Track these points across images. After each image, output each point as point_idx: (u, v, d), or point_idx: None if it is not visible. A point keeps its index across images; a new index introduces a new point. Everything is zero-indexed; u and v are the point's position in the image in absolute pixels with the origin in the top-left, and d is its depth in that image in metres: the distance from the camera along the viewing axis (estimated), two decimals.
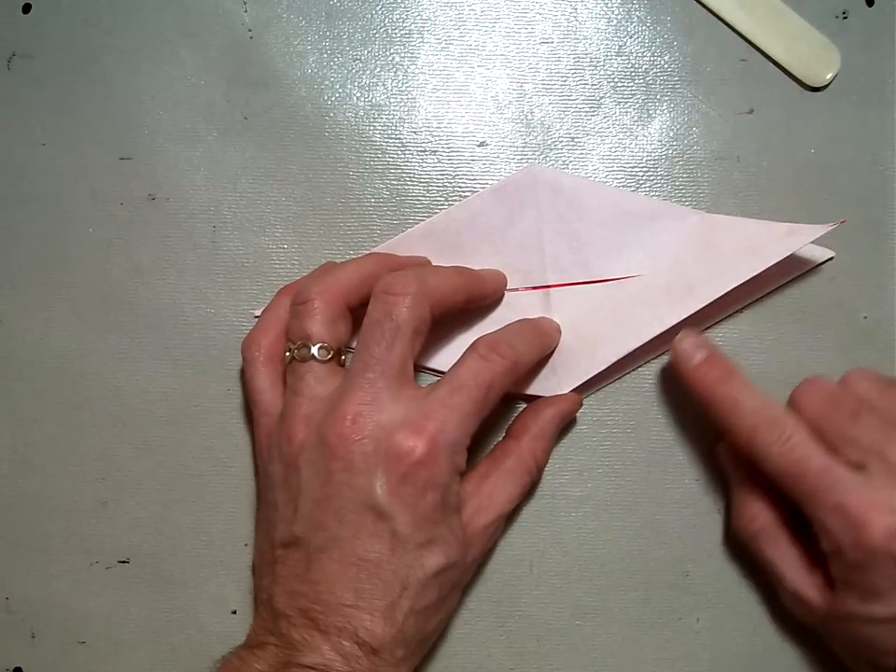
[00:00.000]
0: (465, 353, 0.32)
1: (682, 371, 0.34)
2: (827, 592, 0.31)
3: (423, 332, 0.31)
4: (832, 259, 0.37)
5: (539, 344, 0.34)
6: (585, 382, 0.35)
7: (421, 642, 0.31)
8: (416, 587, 0.29)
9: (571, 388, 0.36)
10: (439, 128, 0.38)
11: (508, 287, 0.36)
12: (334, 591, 0.29)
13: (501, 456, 0.34)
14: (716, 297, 0.35)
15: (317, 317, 0.31)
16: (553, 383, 0.36)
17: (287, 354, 0.32)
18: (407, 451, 0.29)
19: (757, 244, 0.35)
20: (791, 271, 0.37)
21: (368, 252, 0.36)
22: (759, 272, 0.34)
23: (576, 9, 0.38)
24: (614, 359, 0.35)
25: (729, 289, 0.35)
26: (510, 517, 0.35)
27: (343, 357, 0.32)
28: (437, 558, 0.30)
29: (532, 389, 0.36)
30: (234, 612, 0.36)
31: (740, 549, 0.35)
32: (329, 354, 0.31)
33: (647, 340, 0.35)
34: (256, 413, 0.33)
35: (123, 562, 0.36)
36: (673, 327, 0.35)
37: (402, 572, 0.29)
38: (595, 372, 0.35)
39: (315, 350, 0.31)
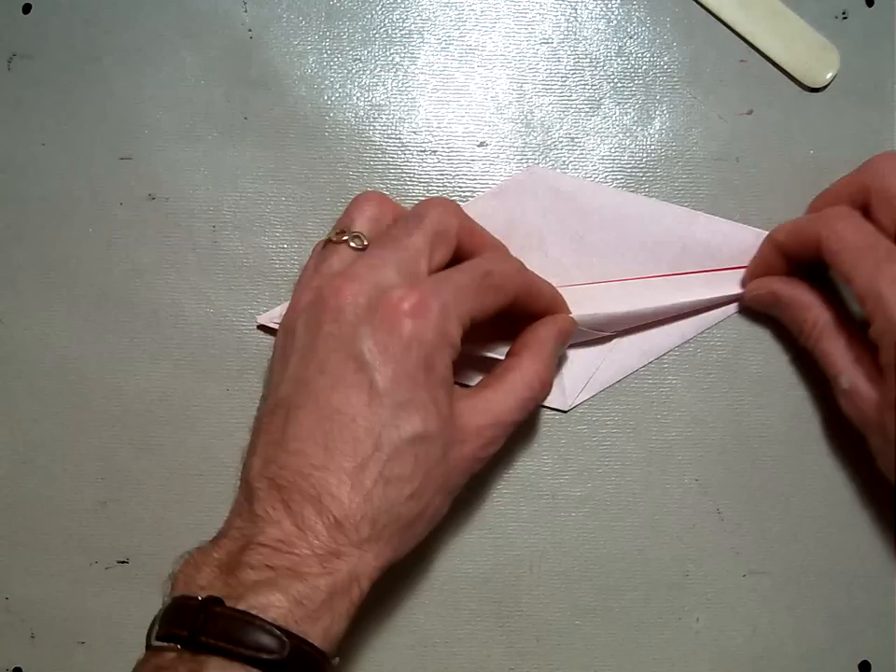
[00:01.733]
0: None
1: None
2: (880, 382, 0.31)
3: (445, 240, 0.31)
4: None
5: (552, 298, 0.34)
6: (589, 379, 0.36)
7: (389, 524, 0.28)
8: (389, 449, 0.27)
9: (573, 390, 0.36)
10: (439, 128, 0.38)
11: None
12: (305, 450, 0.27)
13: (501, 371, 0.32)
14: (716, 303, 0.35)
15: (366, 211, 0.32)
16: (557, 390, 0.36)
17: (326, 238, 0.32)
18: (396, 301, 0.28)
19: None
20: None
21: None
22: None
23: (576, 10, 0.38)
24: (618, 363, 0.35)
25: (729, 295, 0.36)
26: (508, 515, 0.35)
27: None
28: (414, 423, 0.28)
29: None
30: None
31: (740, 548, 0.35)
32: (362, 243, 0.31)
33: (650, 342, 0.35)
34: (293, 293, 0.32)
35: (123, 562, 0.36)
36: (673, 329, 0.35)
37: (376, 430, 0.27)
38: (601, 377, 0.36)
39: (349, 236, 0.31)
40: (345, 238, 0.31)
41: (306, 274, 0.32)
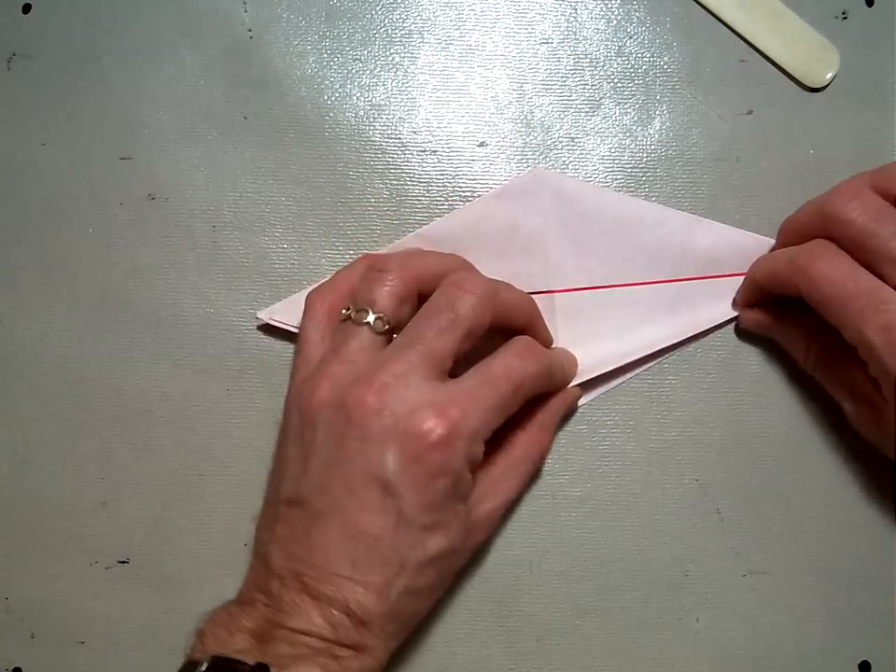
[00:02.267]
0: (502, 347, 0.32)
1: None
2: (883, 405, 0.31)
3: (475, 336, 0.31)
4: None
5: (569, 370, 0.35)
6: (587, 384, 0.36)
7: (409, 621, 0.31)
8: (414, 568, 0.29)
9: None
10: (439, 128, 0.38)
11: None
12: (330, 559, 0.28)
13: (508, 446, 0.33)
14: (715, 308, 0.36)
15: (387, 289, 0.31)
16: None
17: (345, 312, 0.31)
18: (426, 431, 0.28)
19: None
20: None
21: (367, 252, 0.36)
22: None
23: (576, 10, 0.38)
24: (616, 367, 0.35)
25: (728, 301, 0.36)
26: (508, 515, 0.35)
27: (395, 338, 0.32)
28: (439, 542, 0.29)
29: None
30: None
31: (740, 548, 0.35)
32: (384, 326, 0.31)
33: (649, 348, 0.35)
34: (296, 360, 0.33)
35: (123, 562, 0.36)
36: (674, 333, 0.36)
37: (402, 551, 0.28)
38: (600, 381, 0.36)
39: (371, 318, 0.31)
40: (366, 320, 0.31)
41: (315, 343, 0.32)
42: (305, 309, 0.33)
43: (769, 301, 0.35)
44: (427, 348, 0.30)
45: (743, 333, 0.36)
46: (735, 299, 0.36)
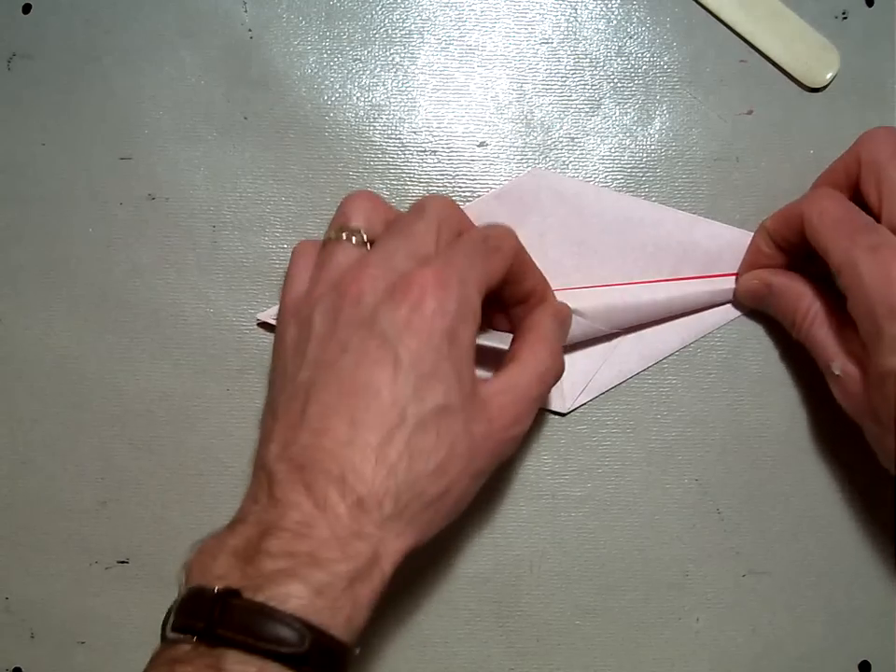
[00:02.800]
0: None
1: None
2: (866, 360, 0.31)
3: (449, 229, 0.31)
4: None
5: (540, 275, 0.34)
6: (588, 383, 0.36)
7: (412, 501, 0.27)
8: (413, 421, 0.27)
9: (572, 393, 0.36)
10: (439, 128, 0.38)
11: None
12: (328, 427, 0.27)
13: (514, 352, 0.32)
14: (716, 309, 0.36)
15: (362, 210, 0.32)
16: (556, 393, 0.36)
17: (324, 238, 0.32)
18: (416, 279, 0.28)
19: None
20: None
21: None
22: None
23: (576, 10, 0.38)
24: (617, 367, 0.35)
25: (727, 298, 0.36)
26: (508, 515, 0.36)
27: None
28: (436, 394, 0.28)
29: None
30: None
31: (740, 548, 0.35)
32: (363, 240, 0.31)
33: (649, 347, 0.35)
34: (283, 292, 0.32)
35: (123, 562, 0.36)
36: (672, 334, 0.36)
37: (401, 402, 0.27)
38: (599, 381, 0.36)
39: (349, 233, 0.31)
40: (345, 235, 0.31)
41: (302, 270, 0.32)
42: (291, 258, 0.33)
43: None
44: (407, 233, 0.30)
45: (743, 331, 0.36)
46: (735, 287, 0.36)
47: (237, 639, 0.24)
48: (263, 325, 0.37)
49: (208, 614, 0.24)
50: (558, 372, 0.33)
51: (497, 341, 0.34)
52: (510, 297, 0.33)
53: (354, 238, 0.31)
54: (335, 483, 0.26)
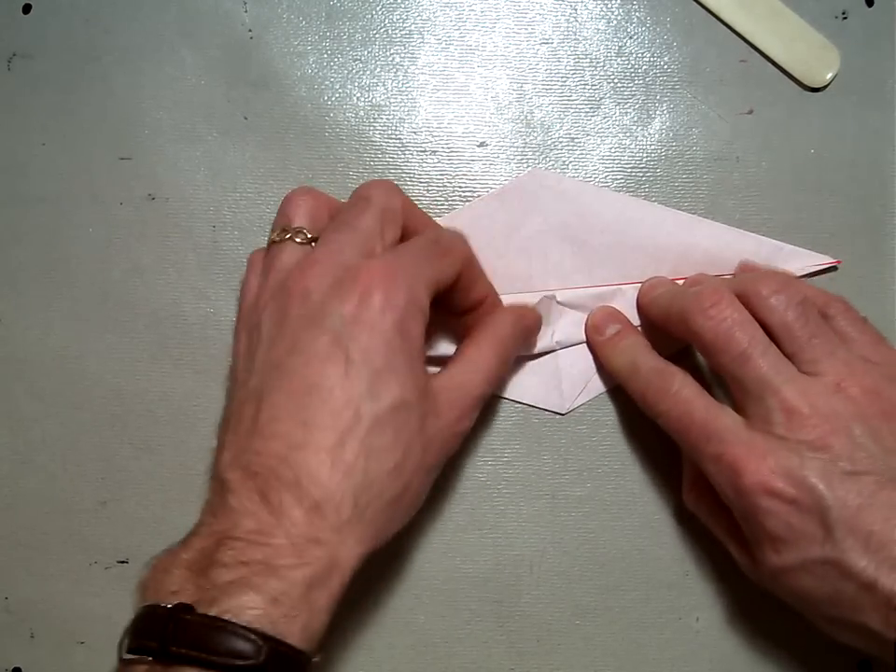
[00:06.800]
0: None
1: (594, 342, 0.35)
2: (753, 555, 0.31)
3: (393, 219, 0.30)
4: (836, 268, 0.37)
5: (489, 284, 0.34)
6: (587, 383, 0.36)
7: (371, 502, 0.27)
8: (369, 420, 0.26)
9: (571, 394, 0.36)
10: (439, 128, 0.38)
11: (510, 292, 0.36)
12: (281, 431, 0.26)
13: (462, 349, 0.32)
14: None
15: (302, 208, 0.31)
16: (556, 393, 0.36)
17: (268, 241, 0.31)
18: (364, 272, 0.28)
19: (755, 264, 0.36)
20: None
21: None
22: None
23: (576, 10, 0.38)
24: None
25: None
26: (508, 515, 0.35)
27: None
28: (392, 391, 0.27)
29: (538, 401, 0.36)
30: None
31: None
32: (307, 237, 0.30)
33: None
34: (239, 304, 0.32)
35: (123, 562, 0.36)
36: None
37: (355, 401, 0.26)
38: (598, 381, 0.36)
39: (292, 233, 0.31)
40: (289, 236, 0.31)
41: (252, 278, 0.32)
42: (247, 267, 0.33)
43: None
44: (351, 227, 0.29)
45: None
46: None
47: (192, 656, 0.23)
48: None
49: (161, 632, 0.24)
50: (503, 377, 0.34)
51: (444, 350, 0.34)
52: (458, 304, 0.32)
53: (298, 238, 0.30)
54: (290, 489, 0.25)
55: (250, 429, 0.27)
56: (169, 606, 0.24)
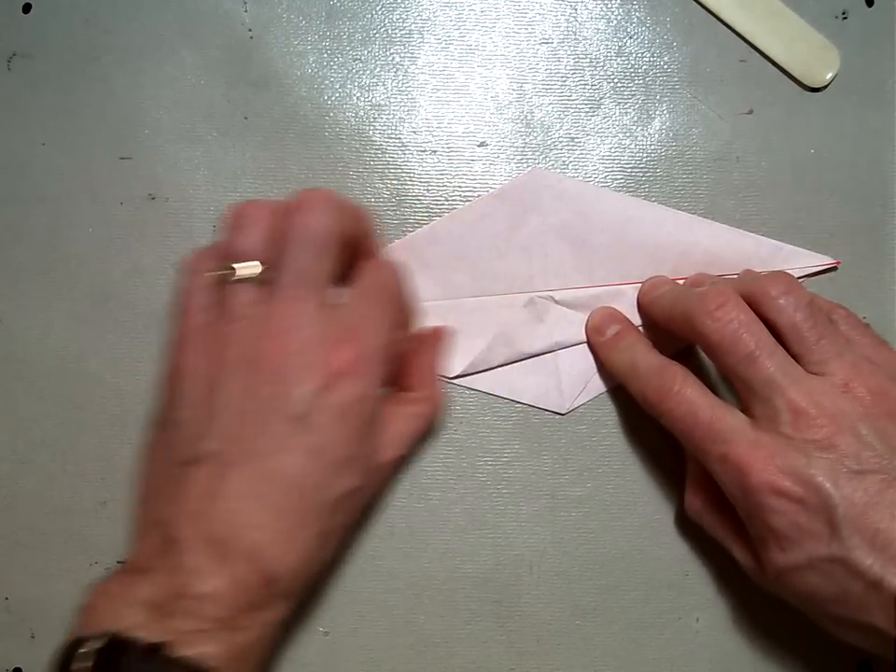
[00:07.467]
0: (363, 266, 0.32)
1: (594, 343, 0.35)
2: (758, 556, 0.31)
3: (338, 245, 0.30)
4: (835, 268, 0.37)
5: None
6: (587, 383, 0.36)
7: (315, 571, 0.30)
8: (327, 509, 0.29)
9: (571, 394, 0.36)
10: (439, 128, 0.38)
11: (510, 292, 0.36)
12: (241, 509, 0.28)
13: (396, 401, 0.33)
14: None
15: (251, 237, 0.30)
16: (556, 393, 0.36)
17: (219, 273, 0.30)
18: (334, 361, 0.29)
19: (755, 265, 0.36)
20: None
21: None
22: None
23: (576, 10, 0.38)
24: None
25: None
26: (508, 515, 0.36)
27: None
28: (351, 480, 0.29)
29: (538, 401, 0.36)
30: None
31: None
32: (259, 273, 0.30)
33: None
34: (179, 325, 0.31)
35: (123, 562, 0.36)
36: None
37: (317, 491, 0.28)
38: (598, 381, 0.36)
39: (246, 270, 0.30)
40: (243, 276, 0.30)
41: (197, 311, 0.31)
42: (185, 278, 0.32)
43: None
44: (304, 277, 0.29)
45: None
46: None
47: None
48: None
49: (139, 665, 0.25)
50: (439, 413, 0.36)
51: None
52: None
53: (250, 273, 0.30)
54: (248, 561, 0.27)
55: (206, 495, 0.28)
56: (146, 641, 0.25)
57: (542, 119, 0.38)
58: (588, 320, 0.36)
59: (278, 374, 0.29)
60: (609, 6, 0.38)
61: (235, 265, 0.30)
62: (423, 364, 0.35)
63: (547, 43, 0.38)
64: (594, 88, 0.38)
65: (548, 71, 0.38)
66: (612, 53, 0.38)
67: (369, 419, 0.30)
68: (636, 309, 0.36)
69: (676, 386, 0.31)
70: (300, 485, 0.28)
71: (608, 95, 0.38)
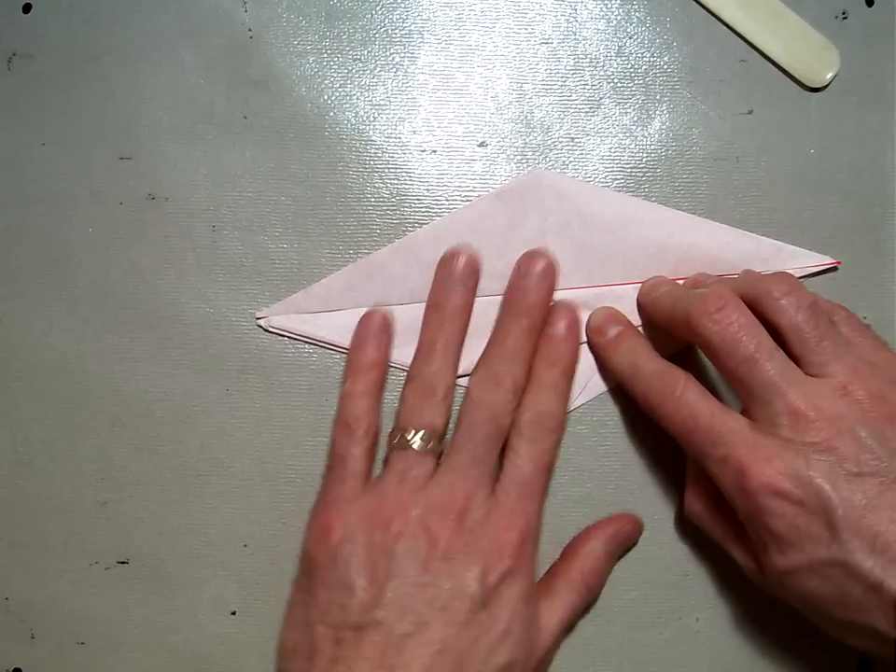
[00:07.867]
0: (512, 435, 0.33)
1: (595, 344, 0.35)
2: (758, 559, 0.31)
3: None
4: (836, 268, 0.37)
5: (568, 382, 0.35)
6: (587, 383, 0.36)
7: None
8: None
9: (575, 394, 0.36)
10: (439, 128, 0.38)
11: None
12: None
13: (549, 578, 0.34)
14: None
15: (437, 408, 0.33)
16: None
17: (399, 438, 0.33)
18: (504, 544, 0.31)
19: (755, 265, 0.36)
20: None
21: (370, 255, 0.36)
22: None
23: (576, 10, 0.38)
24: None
25: None
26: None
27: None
28: (507, 653, 0.30)
29: None
30: (234, 613, 0.36)
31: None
32: (440, 446, 0.33)
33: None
34: (334, 477, 0.33)
35: (123, 562, 0.36)
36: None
37: (477, 665, 0.30)
38: (598, 381, 0.36)
39: (430, 442, 0.33)
40: (428, 447, 0.32)
41: (386, 483, 0.32)
42: (341, 426, 0.34)
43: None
44: (482, 462, 0.32)
45: None
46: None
47: None
48: (262, 326, 0.37)
49: None
50: (591, 603, 0.36)
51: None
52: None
53: (433, 445, 0.33)
54: None
55: (376, 661, 0.29)
56: None
57: (542, 119, 0.38)
58: (589, 320, 0.36)
59: (450, 552, 0.31)
60: (609, 6, 0.38)
61: (411, 432, 0.33)
62: (582, 539, 0.35)
63: (547, 43, 0.38)
64: (594, 88, 0.38)
65: (548, 71, 0.38)
66: (612, 53, 0.38)
67: (530, 597, 0.31)
68: (636, 309, 0.36)
69: (677, 391, 0.31)
70: (466, 657, 0.30)
71: (608, 95, 0.38)
